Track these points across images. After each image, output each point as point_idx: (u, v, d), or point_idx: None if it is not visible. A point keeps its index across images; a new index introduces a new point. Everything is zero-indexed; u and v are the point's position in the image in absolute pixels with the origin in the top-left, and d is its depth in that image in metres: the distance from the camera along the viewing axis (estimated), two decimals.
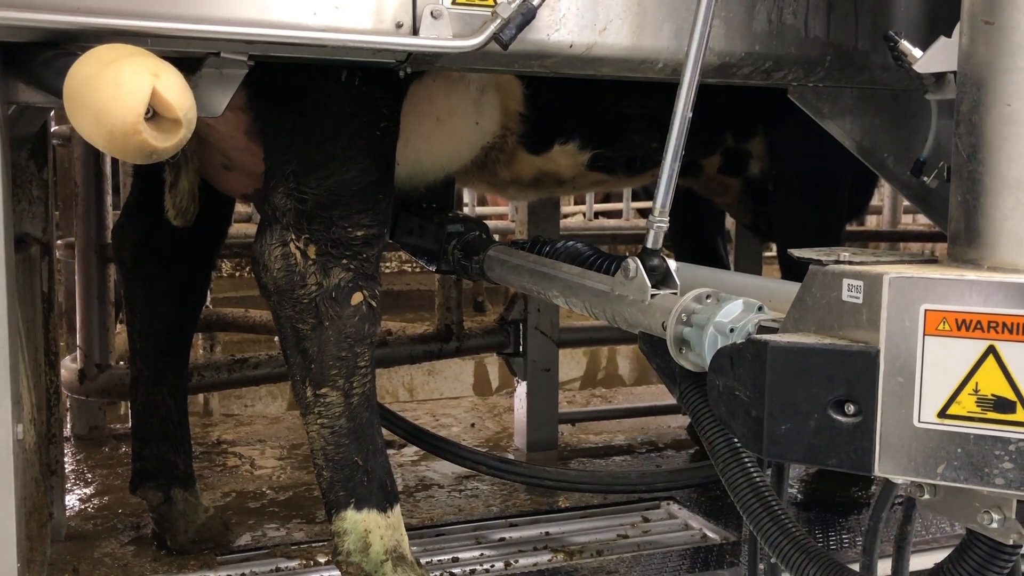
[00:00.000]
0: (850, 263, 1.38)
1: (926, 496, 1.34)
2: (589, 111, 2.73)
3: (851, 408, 1.32)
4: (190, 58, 1.79)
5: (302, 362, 2.17)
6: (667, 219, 1.72)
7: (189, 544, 2.72)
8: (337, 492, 2.18)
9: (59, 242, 3.61)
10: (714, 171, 3.19)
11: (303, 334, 2.16)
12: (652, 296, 1.73)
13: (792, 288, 1.49)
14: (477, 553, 2.77)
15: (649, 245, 1.75)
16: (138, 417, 2.77)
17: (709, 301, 1.60)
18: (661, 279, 1.75)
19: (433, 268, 2.66)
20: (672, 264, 1.75)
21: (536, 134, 2.71)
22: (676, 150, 1.69)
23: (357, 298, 2.18)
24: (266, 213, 2.21)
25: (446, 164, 2.63)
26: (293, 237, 2.14)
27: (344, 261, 2.17)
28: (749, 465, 1.56)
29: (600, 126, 2.78)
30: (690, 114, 1.70)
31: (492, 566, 2.68)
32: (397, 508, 2.25)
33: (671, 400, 4.13)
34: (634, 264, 1.76)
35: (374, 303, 2.21)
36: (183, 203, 2.46)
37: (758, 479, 1.55)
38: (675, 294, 1.72)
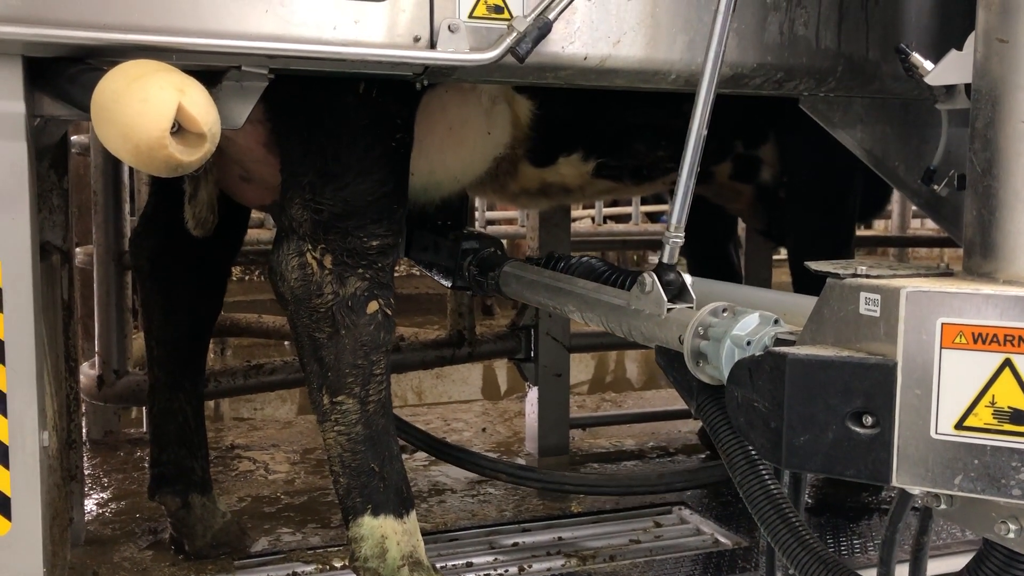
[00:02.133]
0: (867, 276, 1.40)
1: (943, 506, 1.36)
2: (592, 122, 2.74)
3: (869, 420, 1.33)
4: (211, 71, 1.82)
5: (319, 370, 2.20)
6: (683, 235, 1.74)
7: (207, 549, 2.75)
8: (354, 498, 2.21)
9: (76, 250, 3.65)
10: (725, 178, 3.21)
11: (320, 342, 2.19)
12: (668, 310, 1.75)
13: (806, 303, 1.52)
14: (491, 558, 2.79)
15: (665, 260, 1.77)
16: (156, 423, 2.80)
17: (726, 315, 1.62)
18: (677, 293, 1.76)
19: (448, 284, 2.68)
20: (688, 278, 1.77)
21: (540, 149, 2.73)
22: (692, 166, 1.72)
23: (373, 307, 2.21)
24: (283, 224, 2.24)
25: (459, 174, 2.66)
26: (310, 247, 2.18)
27: (360, 270, 2.20)
28: (767, 477, 1.57)
29: (603, 136, 2.80)
30: (705, 131, 1.72)
31: (506, 571, 2.70)
32: (413, 514, 2.28)
33: (681, 404, 4.14)
34: (650, 279, 1.78)
35: (389, 311, 2.24)
36: (202, 213, 2.50)
37: (775, 491, 1.56)
38: (691, 308, 1.74)
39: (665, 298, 1.75)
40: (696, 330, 1.63)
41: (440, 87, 2.43)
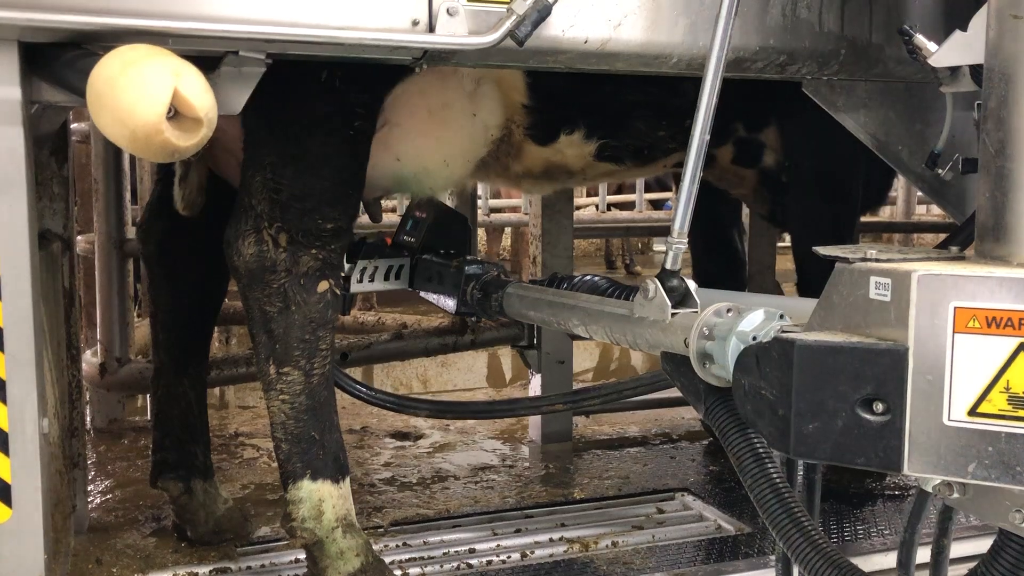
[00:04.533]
0: (877, 260, 1.37)
1: (955, 495, 1.33)
2: (592, 99, 2.73)
3: (879, 406, 1.31)
4: (209, 56, 1.81)
5: (267, 342, 2.27)
6: (686, 240, 1.72)
7: (209, 535, 2.76)
8: (294, 464, 2.29)
9: (78, 238, 3.65)
10: (727, 162, 3.18)
11: (270, 316, 2.26)
12: (673, 315, 1.72)
13: (810, 305, 1.49)
14: (493, 544, 2.79)
15: (668, 266, 1.75)
16: (159, 408, 2.82)
17: (730, 314, 1.59)
18: (681, 299, 1.74)
19: (452, 311, 2.69)
20: (692, 284, 1.75)
21: (541, 125, 2.72)
22: (694, 172, 1.70)
23: (323, 286, 2.28)
24: (242, 200, 2.28)
25: (447, 157, 2.64)
26: (266, 225, 2.24)
27: (313, 251, 2.26)
28: (778, 481, 1.53)
29: (604, 115, 2.79)
30: (707, 137, 1.70)
31: (508, 557, 2.71)
32: (347, 480, 2.36)
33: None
34: (653, 284, 1.76)
35: (338, 291, 2.33)
36: (191, 195, 2.56)
37: (788, 495, 1.52)
38: (696, 312, 1.71)
39: (669, 303, 1.73)
40: (701, 331, 1.61)
41: (417, 73, 2.43)
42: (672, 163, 3.08)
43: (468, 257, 2.72)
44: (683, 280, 1.75)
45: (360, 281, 2.73)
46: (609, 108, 2.77)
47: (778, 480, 1.54)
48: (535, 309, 2.32)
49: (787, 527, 1.50)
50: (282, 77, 2.11)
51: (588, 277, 2.26)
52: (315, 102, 2.23)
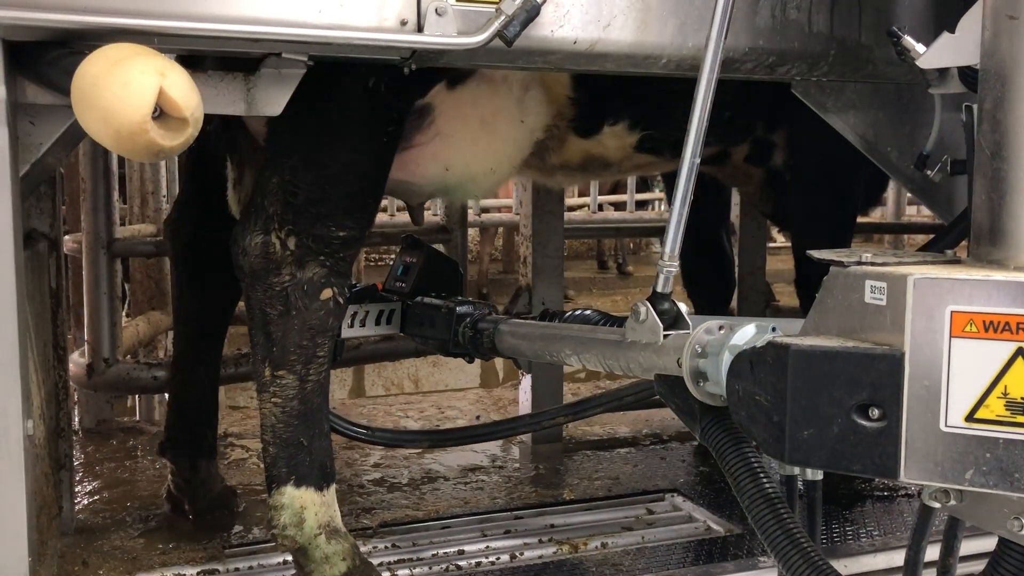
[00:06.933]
0: (872, 264, 1.35)
1: (953, 502, 1.31)
2: (638, 90, 2.68)
3: (875, 412, 1.29)
4: (249, 58, 1.85)
5: (265, 343, 2.25)
6: (677, 263, 1.71)
7: (205, 510, 2.92)
8: (280, 468, 2.27)
9: (66, 237, 3.63)
10: (740, 160, 3.18)
11: (270, 318, 2.23)
12: (665, 336, 1.71)
13: (799, 325, 1.48)
14: (483, 545, 2.79)
15: (659, 289, 1.73)
16: (176, 392, 2.97)
17: (722, 331, 1.58)
18: (672, 322, 1.73)
19: (444, 352, 2.69)
20: (683, 307, 1.74)
21: (586, 116, 2.69)
22: (684, 195, 1.68)
23: (327, 294, 2.25)
24: (254, 198, 2.26)
25: (495, 165, 2.64)
26: (276, 227, 2.21)
27: (321, 258, 2.23)
28: (778, 504, 1.51)
29: (649, 105, 2.74)
30: (698, 160, 1.69)
31: (498, 558, 2.70)
32: (332, 487, 2.35)
33: None
34: (644, 307, 1.75)
35: (341, 300, 2.29)
36: (247, 198, 2.49)
37: (786, 517, 1.50)
38: (688, 333, 1.70)
39: (661, 325, 1.71)
40: (694, 349, 1.59)
41: (472, 81, 2.42)
42: (706, 156, 3.06)
43: (458, 299, 2.72)
44: (674, 303, 1.75)
45: (351, 326, 2.73)
46: (654, 98, 2.70)
47: (776, 500, 1.52)
48: (528, 343, 2.31)
49: (786, 549, 1.48)
50: (320, 78, 2.08)
51: (579, 311, 2.27)
52: (352, 107, 2.18)
